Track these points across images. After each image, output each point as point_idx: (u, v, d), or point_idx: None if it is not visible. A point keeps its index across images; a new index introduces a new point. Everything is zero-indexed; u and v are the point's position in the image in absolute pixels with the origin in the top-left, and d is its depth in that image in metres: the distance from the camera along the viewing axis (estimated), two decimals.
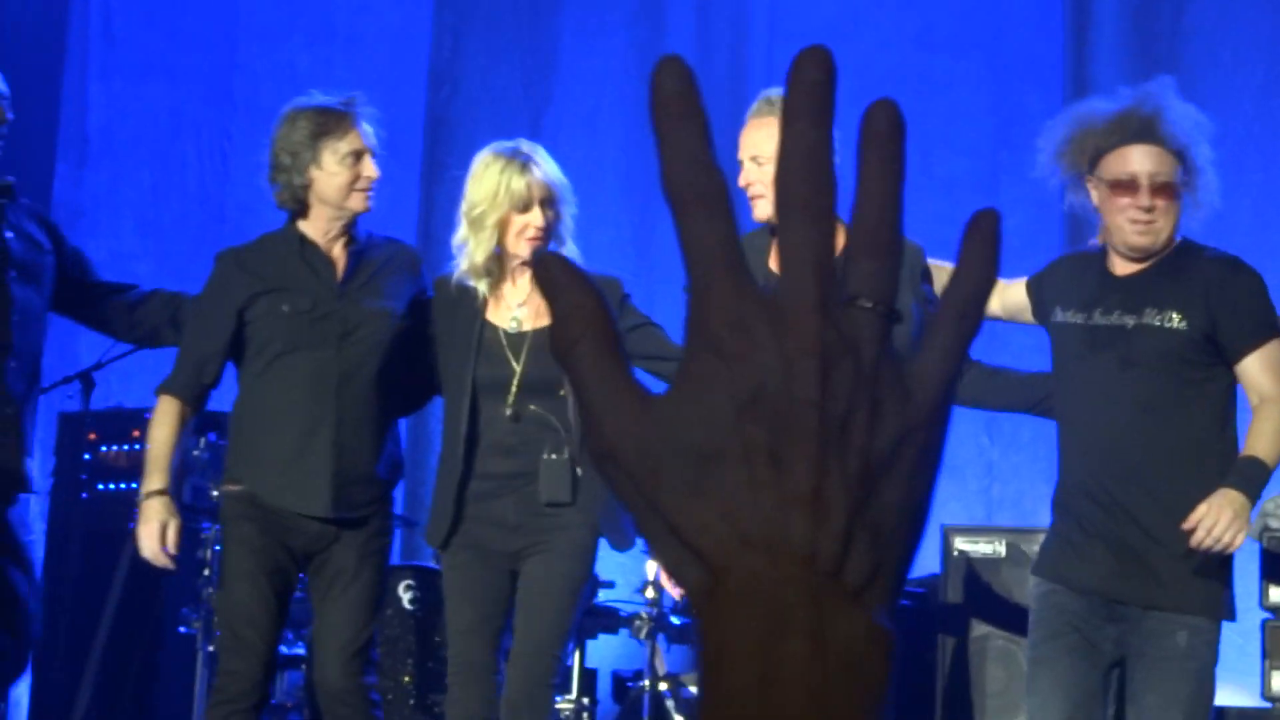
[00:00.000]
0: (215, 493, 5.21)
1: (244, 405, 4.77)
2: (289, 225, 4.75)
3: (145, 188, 7.97)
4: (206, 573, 5.59)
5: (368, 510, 4.68)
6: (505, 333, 4.64)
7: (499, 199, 4.52)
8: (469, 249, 4.60)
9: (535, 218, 4.54)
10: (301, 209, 4.72)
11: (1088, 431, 4.29)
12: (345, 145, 4.63)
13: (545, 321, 4.44)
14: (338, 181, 4.64)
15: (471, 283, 4.64)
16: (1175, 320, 4.22)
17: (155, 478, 4.69)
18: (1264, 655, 5.51)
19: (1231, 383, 4.26)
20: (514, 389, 4.59)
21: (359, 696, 4.62)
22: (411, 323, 4.76)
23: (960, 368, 0.85)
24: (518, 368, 4.60)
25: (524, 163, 4.55)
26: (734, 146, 6.50)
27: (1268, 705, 5.55)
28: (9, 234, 4.85)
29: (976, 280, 0.86)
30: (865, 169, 0.84)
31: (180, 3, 8.28)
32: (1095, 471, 4.26)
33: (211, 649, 5.62)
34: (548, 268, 0.84)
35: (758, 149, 4.40)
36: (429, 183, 7.82)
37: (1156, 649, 4.18)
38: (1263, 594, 5.54)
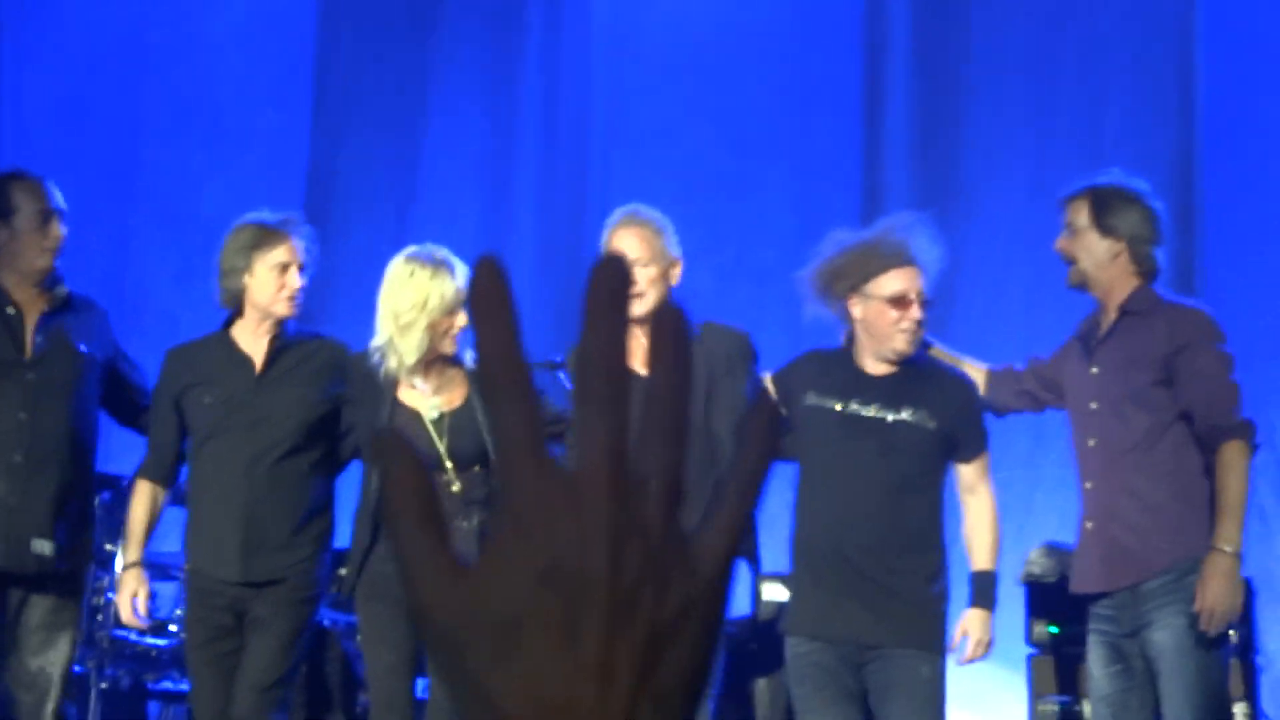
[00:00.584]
0: (108, 546, 5.69)
1: (188, 485, 5.19)
2: (224, 325, 5.15)
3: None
4: (99, 617, 5.98)
5: (285, 573, 4.99)
6: (427, 417, 4.92)
7: (430, 305, 4.82)
8: (399, 350, 4.87)
9: (462, 319, 4.84)
10: (238, 310, 5.11)
11: (843, 504, 4.72)
12: (275, 257, 5.03)
13: (459, 404, 4.95)
14: (268, 288, 5.04)
15: (395, 377, 4.93)
16: (927, 420, 4.75)
17: (132, 551, 5.14)
18: (1030, 686, 5.99)
19: (943, 483, 4.84)
20: (448, 465, 4.87)
21: None
22: (329, 408, 5.07)
23: (739, 544, 0.91)
24: (441, 447, 4.89)
25: (449, 269, 4.85)
26: (571, 231, 7.26)
27: None
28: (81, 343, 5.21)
29: (755, 464, 0.92)
30: (655, 362, 0.90)
31: (85, 103, 8.68)
32: (849, 538, 4.70)
33: (104, 686, 6.02)
34: (383, 442, 0.90)
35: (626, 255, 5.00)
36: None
37: (907, 680, 4.65)
38: (1029, 631, 6.00)
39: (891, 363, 4.80)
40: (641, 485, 0.88)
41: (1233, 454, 4.57)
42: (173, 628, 6.28)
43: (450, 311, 4.86)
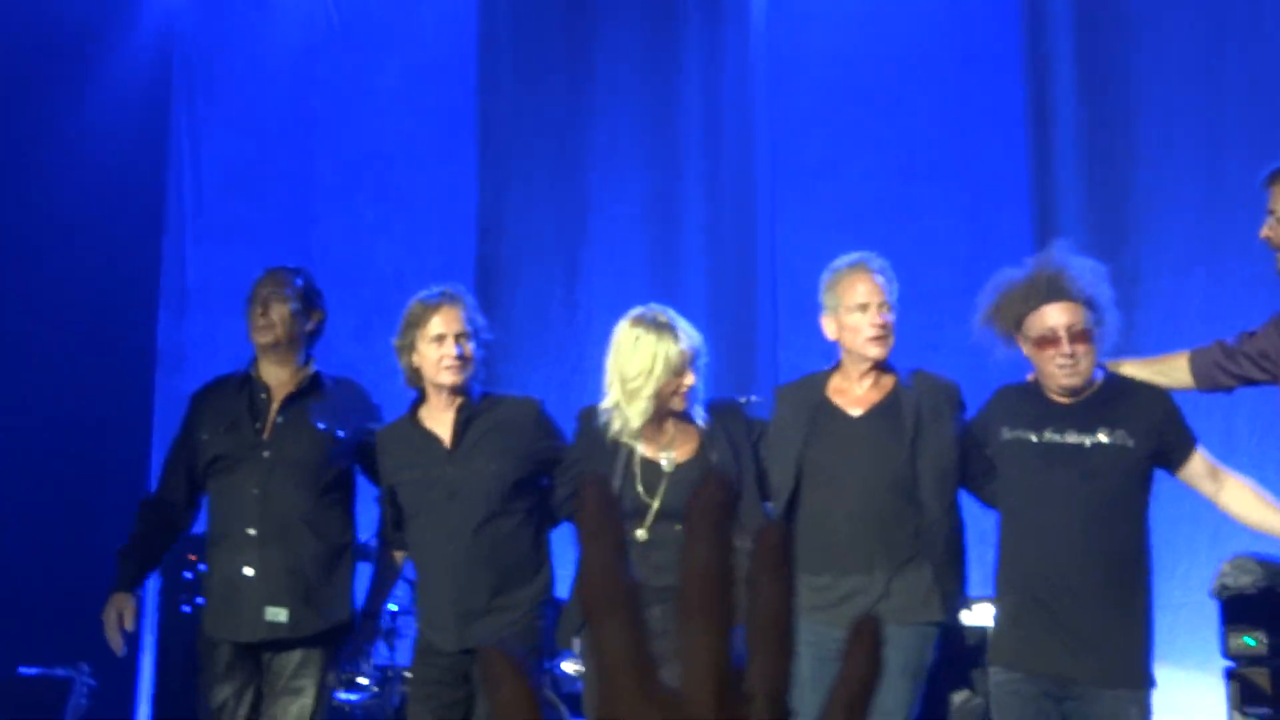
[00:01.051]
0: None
1: (412, 556, 5.38)
2: (412, 407, 5.31)
3: (238, 334, 8.59)
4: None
5: (500, 634, 5.11)
6: (666, 470, 5.00)
7: (655, 371, 4.90)
8: (626, 415, 4.95)
9: (690, 379, 4.93)
10: (421, 389, 5.27)
11: (1046, 534, 4.66)
12: (432, 330, 5.16)
13: (688, 457, 5.03)
14: (430, 361, 5.18)
15: (624, 439, 5.01)
16: (1126, 439, 4.68)
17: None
18: (1229, 701, 5.83)
19: (1148, 502, 4.74)
20: (650, 518, 4.94)
21: None
22: (527, 470, 5.18)
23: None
24: (656, 499, 4.96)
25: (674, 332, 4.93)
26: (740, 268, 7.23)
27: None
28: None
29: (861, 680, 0.92)
30: (758, 578, 0.92)
31: (259, 170, 8.95)
32: (1052, 570, 4.64)
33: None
34: (491, 661, 0.91)
35: (873, 296, 4.94)
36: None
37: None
38: (1225, 645, 5.86)
39: (1074, 396, 4.76)
40: (746, 701, 0.89)
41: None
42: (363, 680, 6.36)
43: (678, 373, 4.94)
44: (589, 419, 5.12)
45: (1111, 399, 4.75)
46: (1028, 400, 4.81)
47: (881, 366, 5.00)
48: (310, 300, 5.52)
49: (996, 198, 8.36)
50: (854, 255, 5.06)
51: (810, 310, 8.44)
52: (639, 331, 4.94)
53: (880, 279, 4.98)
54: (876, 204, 8.38)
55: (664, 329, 4.94)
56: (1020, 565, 4.73)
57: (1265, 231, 4.67)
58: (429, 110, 9.06)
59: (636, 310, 5.06)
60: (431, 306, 5.20)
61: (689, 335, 4.95)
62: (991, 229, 8.25)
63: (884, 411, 4.93)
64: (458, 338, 5.19)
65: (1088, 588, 4.62)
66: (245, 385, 5.48)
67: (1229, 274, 7.47)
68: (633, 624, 0.90)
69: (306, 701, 5.31)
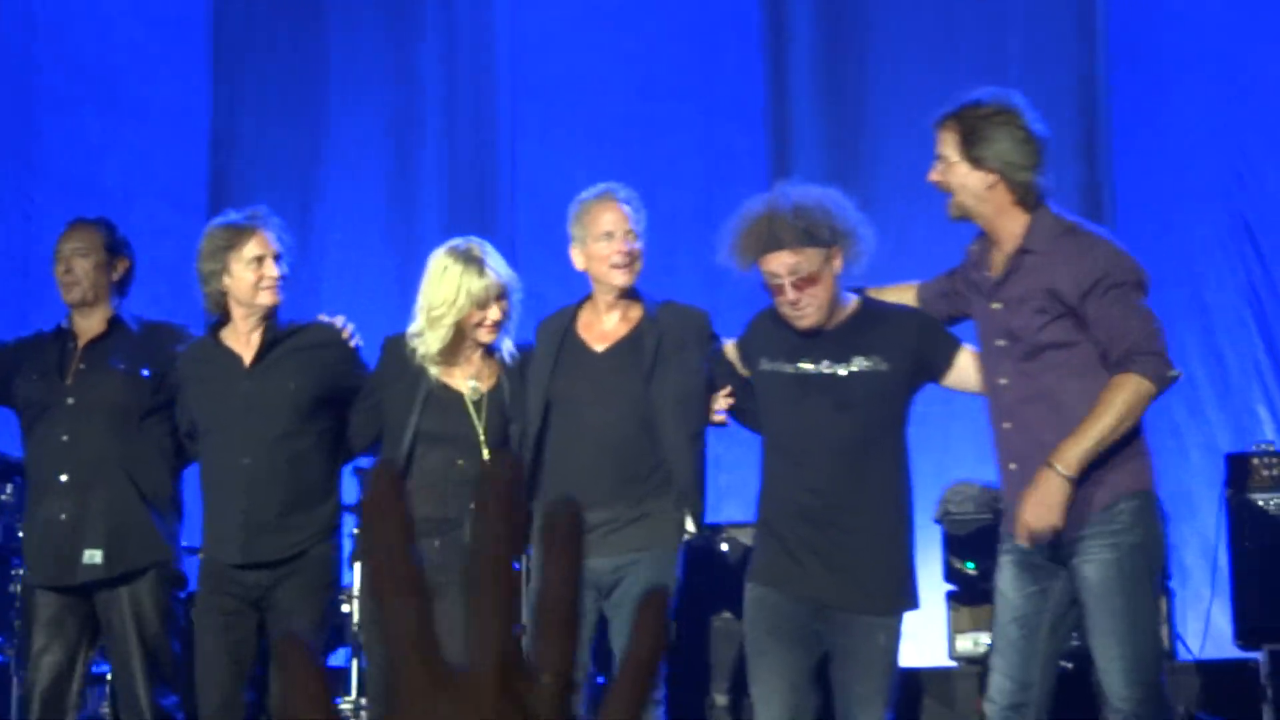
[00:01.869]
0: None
1: (200, 478, 5.38)
2: (211, 329, 5.39)
3: None
4: (18, 604, 6.02)
5: (287, 553, 5.19)
6: (469, 399, 5.05)
7: (458, 302, 4.97)
8: (426, 340, 5.03)
9: (493, 314, 5.00)
10: (224, 313, 5.32)
11: (801, 466, 4.69)
12: (249, 252, 5.20)
13: (490, 385, 5.09)
14: (246, 284, 5.21)
15: (426, 366, 5.05)
16: (880, 364, 4.67)
17: None
18: (949, 624, 6.20)
19: (906, 422, 4.74)
20: (484, 449, 5.01)
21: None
22: (325, 392, 5.24)
23: None
24: (480, 428, 5.03)
25: (480, 265, 4.99)
26: (478, 185, 7.20)
27: (954, 664, 6.26)
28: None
29: (649, 648, 0.95)
30: (547, 556, 0.94)
31: None
32: (809, 496, 4.67)
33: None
34: (287, 647, 0.93)
35: (618, 225, 4.98)
36: None
37: (862, 649, 4.65)
38: (946, 569, 6.17)
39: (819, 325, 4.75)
40: (532, 680, 0.91)
41: (1123, 380, 4.34)
42: None
43: (481, 306, 5.00)
44: (393, 347, 5.18)
45: (864, 325, 4.76)
46: (782, 330, 4.80)
47: (631, 299, 5.05)
48: (114, 250, 5.56)
49: (732, 118, 8.45)
50: (601, 186, 5.09)
51: (549, 228, 8.47)
52: (448, 262, 5.01)
53: (626, 208, 5.03)
54: (616, 122, 8.43)
55: (472, 262, 5.00)
56: (779, 494, 4.78)
57: (933, 176, 4.61)
58: (159, 18, 8.82)
59: (453, 241, 5.14)
60: (245, 230, 5.24)
61: (498, 270, 5.01)
62: (727, 150, 8.36)
63: (627, 346, 5.00)
64: (276, 258, 5.25)
65: (844, 516, 4.67)
66: (59, 336, 5.57)
67: None
68: (419, 600, 0.91)
69: (139, 641, 5.31)
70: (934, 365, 4.76)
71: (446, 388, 5.10)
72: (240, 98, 8.77)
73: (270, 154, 8.67)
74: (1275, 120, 7.79)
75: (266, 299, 5.24)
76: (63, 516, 5.35)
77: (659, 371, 4.93)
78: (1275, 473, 6.09)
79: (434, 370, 5.09)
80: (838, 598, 4.68)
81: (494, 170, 8.59)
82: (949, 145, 4.52)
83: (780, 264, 4.63)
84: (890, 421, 4.75)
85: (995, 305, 4.54)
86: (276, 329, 5.31)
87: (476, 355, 5.12)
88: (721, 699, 6.47)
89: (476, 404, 5.08)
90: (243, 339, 5.32)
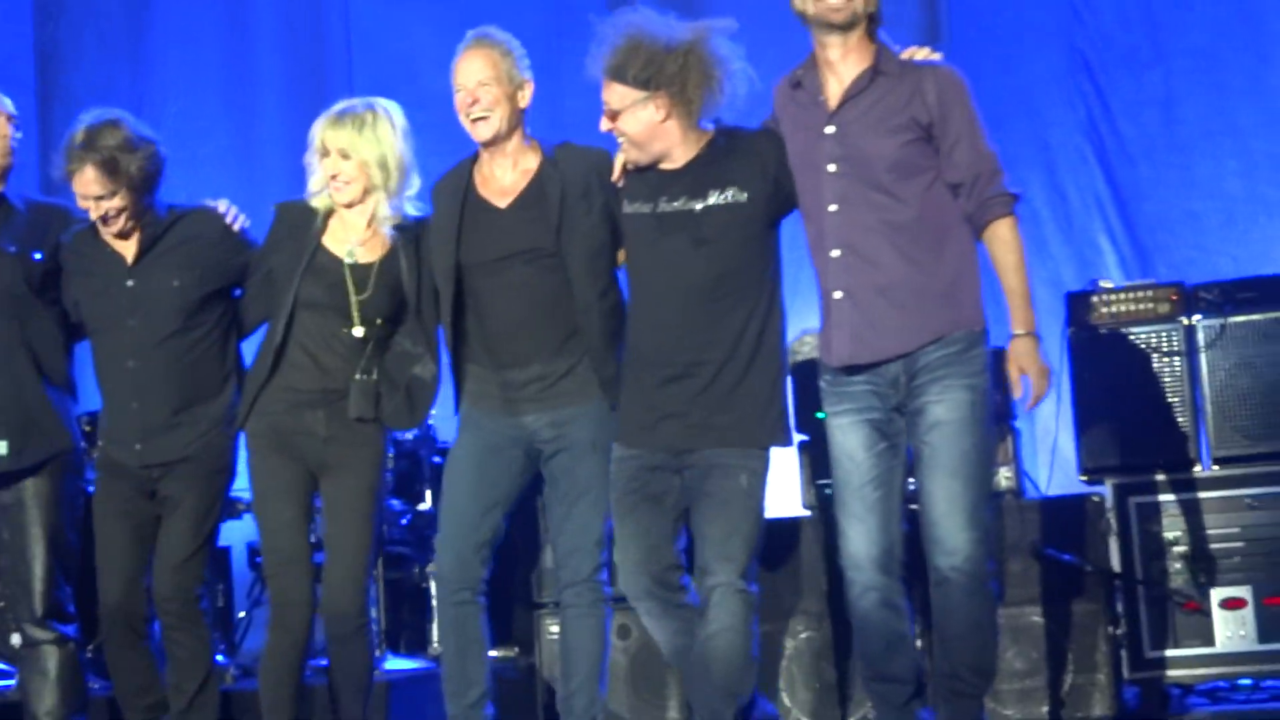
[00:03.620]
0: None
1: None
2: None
3: None
4: None
5: (185, 451, 5.15)
6: (345, 261, 5.02)
7: (314, 141, 5.00)
8: (311, 176, 5.04)
9: (327, 166, 4.98)
10: None
11: (661, 306, 4.66)
12: None
13: (380, 255, 5.03)
14: None
15: (314, 204, 5.05)
16: (738, 195, 4.62)
17: None
18: (801, 472, 6.22)
19: (775, 246, 4.71)
20: (355, 313, 4.99)
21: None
22: (211, 288, 5.20)
23: None
24: (353, 296, 4.99)
25: (335, 117, 4.98)
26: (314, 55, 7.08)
27: (808, 514, 6.14)
28: None
29: None
30: None
31: None
32: (668, 341, 4.64)
33: None
34: None
35: (468, 76, 4.84)
36: (45, 107, 8.13)
37: (718, 489, 4.60)
38: (798, 418, 5.95)
39: (680, 148, 4.69)
40: None
41: (1009, 230, 4.50)
42: None
43: (322, 154, 4.97)
44: (283, 213, 5.13)
45: (720, 156, 4.70)
46: (644, 170, 4.75)
47: (521, 146, 4.95)
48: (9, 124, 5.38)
49: None
50: (471, 33, 4.95)
51: (387, 87, 8.31)
52: (335, 106, 5.02)
53: (479, 57, 4.88)
54: None
55: (330, 113, 5.00)
56: (639, 339, 4.74)
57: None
58: None
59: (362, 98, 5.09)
60: (71, 162, 5.07)
61: (352, 129, 4.96)
62: (569, 5, 8.13)
63: (530, 199, 4.89)
64: (97, 200, 5.08)
65: (701, 353, 4.64)
66: None
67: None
68: None
69: (38, 529, 5.26)
70: (793, 190, 4.66)
71: (329, 254, 5.05)
72: None
73: (99, 20, 8.45)
74: None
75: (103, 232, 5.16)
76: None
77: (566, 223, 4.83)
78: (1115, 309, 6.19)
79: (320, 231, 5.05)
80: (694, 438, 4.65)
81: (329, 31, 8.43)
82: None
83: (608, 94, 4.65)
84: (753, 255, 4.67)
85: (830, 129, 4.53)
86: (157, 223, 5.20)
87: (361, 222, 5.06)
88: None
89: (354, 269, 5.01)
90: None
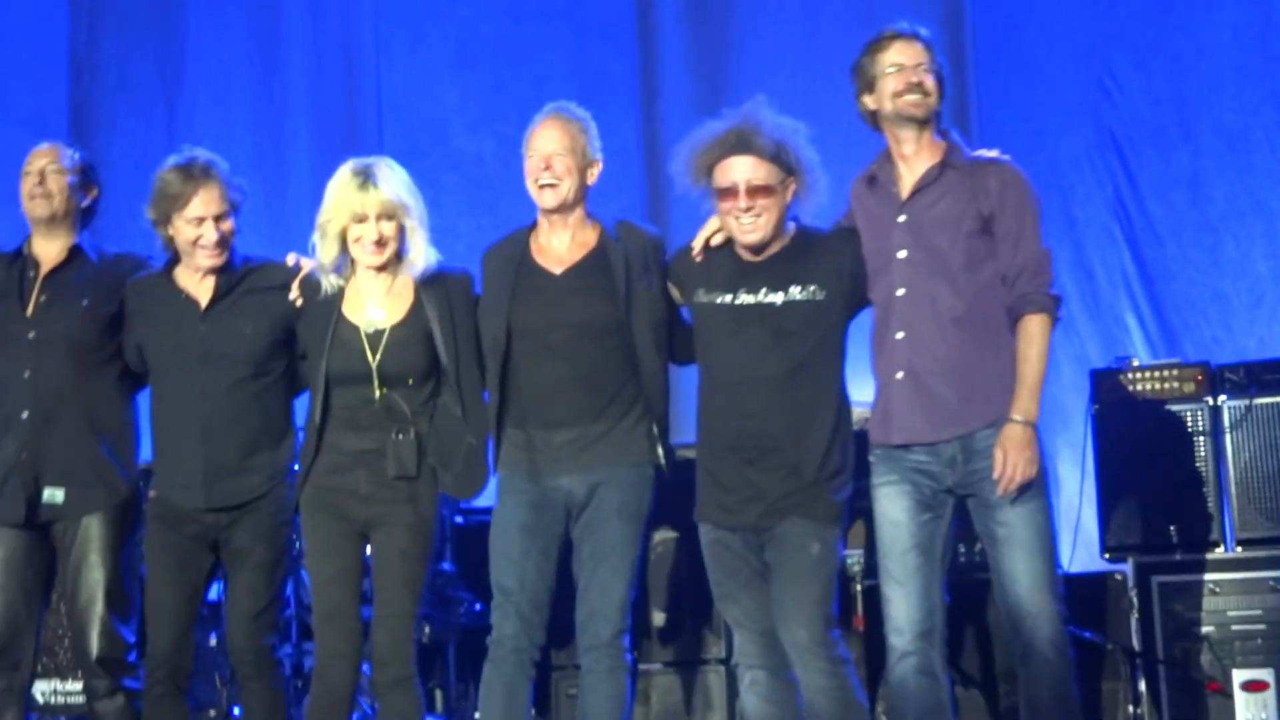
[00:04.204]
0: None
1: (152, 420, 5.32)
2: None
3: None
4: None
5: (247, 497, 5.17)
6: (363, 331, 5.02)
7: (339, 213, 4.96)
8: (319, 252, 5.02)
9: (369, 231, 4.95)
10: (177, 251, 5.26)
11: (741, 395, 4.81)
12: (191, 211, 5.14)
13: (403, 314, 5.04)
14: (186, 238, 5.17)
15: (321, 280, 5.05)
16: (816, 293, 4.80)
17: None
18: None
19: (845, 339, 4.87)
20: (375, 381, 4.99)
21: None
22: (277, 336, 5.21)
23: None
24: (373, 362, 5.00)
25: (365, 179, 4.94)
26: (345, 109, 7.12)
27: None
28: None
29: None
30: None
31: None
32: (749, 428, 4.80)
33: None
34: None
35: (543, 144, 4.91)
36: None
37: (792, 559, 4.75)
38: None
39: (758, 253, 4.87)
40: None
41: (1037, 326, 4.63)
42: None
43: (359, 220, 4.96)
44: (305, 284, 5.16)
45: (801, 253, 4.86)
46: (721, 257, 4.91)
47: (580, 219, 5.03)
48: (87, 175, 5.50)
49: (603, 39, 8.41)
50: (548, 107, 5.04)
51: (417, 152, 8.42)
52: (342, 172, 5.00)
53: (554, 128, 4.96)
54: (485, 43, 8.36)
55: (359, 174, 4.97)
56: (718, 424, 4.87)
57: (920, 77, 4.78)
58: None
59: (361, 159, 5.09)
60: (190, 184, 5.15)
61: (387, 189, 4.96)
62: (598, 72, 8.31)
63: (589, 268, 4.98)
64: (216, 220, 5.18)
65: (777, 442, 4.77)
66: (16, 260, 5.46)
67: (830, 122, 7.66)
68: None
69: (98, 575, 5.28)
70: (866, 287, 4.84)
71: (348, 323, 5.08)
72: (99, 20, 8.59)
73: (132, 79, 8.50)
74: (1140, 31, 7.85)
75: (204, 261, 5.22)
76: (24, 455, 5.28)
77: (633, 294, 4.93)
78: (1140, 388, 6.18)
79: (340, 303, 5.07)
80: (771, 514, 4.78)
81: (361, 93, 8.49)
82: (927, 55, 4.76)
83: (741, 168, 4.76)
84: (828, 349, 4.84)
85: (902, 218, 4.73)
86: (231, 271, 5.26)
87: (380, 285, 5.09)
88: (660, 617, 6.49)
89: (372, 337, 5.03)
90: (195, 280, 5.27)
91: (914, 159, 4.79)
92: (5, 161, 8.01)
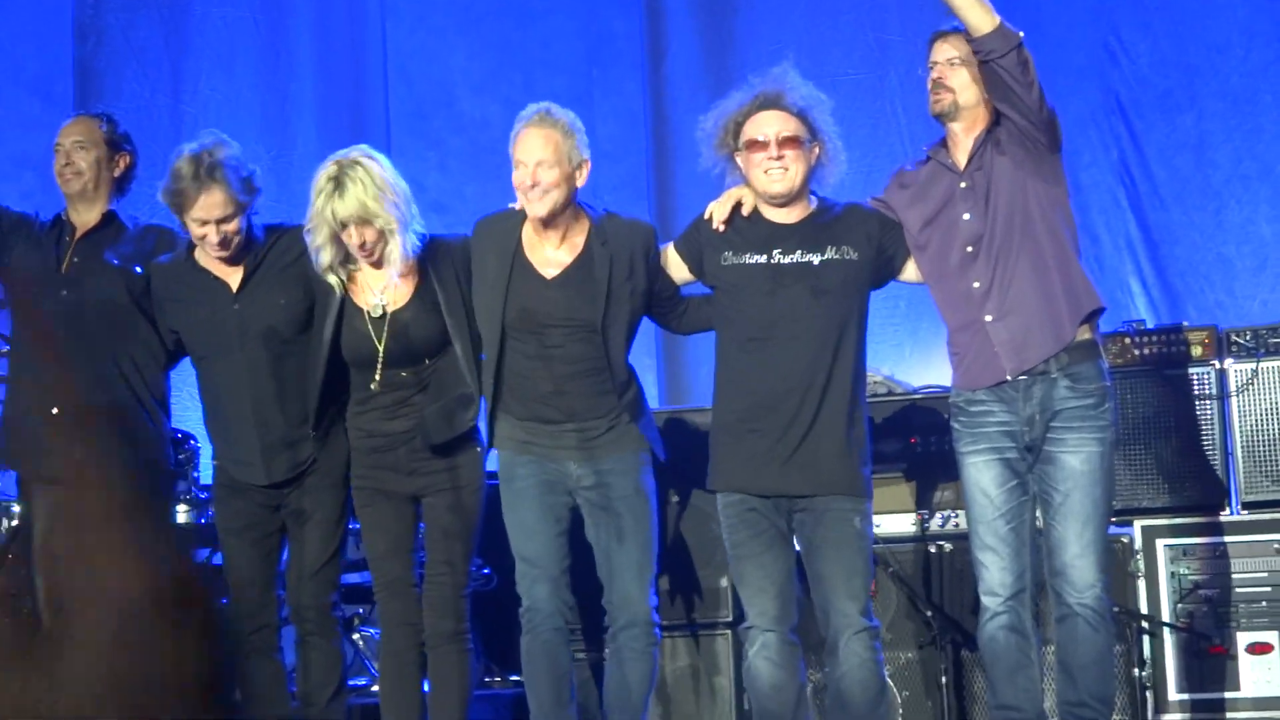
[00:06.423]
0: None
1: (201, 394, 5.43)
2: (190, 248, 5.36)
3: None
4: None
5: (308, 465, 5.27)
6: (369, 315, 5.10)
7: (319, 222, 5.00)
8: (319, 252, 5.07)
9: (352, 238, 5.00)
10: None
11: (776, 354, 4.92)
12: (196, 213, 5.15)
13: (409, 294, 5.10)
14: (195, 234, 5.20)
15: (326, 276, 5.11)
16: (849, 253, 4.97)
17: None
18: None
19: (866, 317, 5.04)
20: (378, 364, 5.10)
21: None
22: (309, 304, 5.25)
23: None
24: (380, 346, 5.10)
25: (337, 188, 4.95)
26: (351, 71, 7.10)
27: None
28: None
29: None
30: None
31: None
32: (781, 388, 4.90)
33: None
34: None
35: (529, 154, 4.92)
36: None
37: (836, 535, 4.89)
38: None
39: (784, 207, 4.99)
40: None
41: None
42: None
43: (340, 228, 5.00)
44: (317, 283, 5.21)
45: (828, 219, 5.01)
46: (749, 226, 5.01)
47: (570, 216, 5.05)
48: (116, 145, 5.63)
49: (608, 1, 8.37)
50: (532, 107, 5.04)
51: (424, 115, 8.40)
52: (321, 181, 5.00)
53: (539, 136, 4.95)
54: (491, 6, 8.35)
55: (332, 182, 4.97)
56: (746, 386, 4.95)
57: (942, 74, 5.02)
58: None
59: (339, 154, 5.07)
60: (195, 184, 5.15)
61: (358, 197, 4.95)
62: (605, 33, 8.29)
63: (578, 275, 5.02)
64: (220, 222, 5.19)
65: (811, 405, 4.90)
66: (55, 226, 5.63)
67: (839, 78, 7.64)
68: None
69: None
70: (894, 260, 5.06)
71: (353, 306, 5.15)
72: None
73: (136, 42, 8.45)
74: None
75: (212, 255, 5.26)
76: (55, 410, 5.22)
77: (612, 304, 4.99)
78: (1147, 352, 6.19)
79: (341, 288, 5.13)
80: (805, 485, 4.90)
81: (367, 56, 8.47)
82: (961, 49, 4.98)
83: (772, 120, 4.92)
84: (858, 312, 4.99)
85: (963, 184, 4.97)
86: (257, 247, 5.30)
87: (384, 274, 5.12)
88: (664, 581, 6.46)
89: (377, 321, 5.11)
90: (219, 263, 5.31)
91: (964, 137, 5.03)
92: (12, 126, 8.12)
